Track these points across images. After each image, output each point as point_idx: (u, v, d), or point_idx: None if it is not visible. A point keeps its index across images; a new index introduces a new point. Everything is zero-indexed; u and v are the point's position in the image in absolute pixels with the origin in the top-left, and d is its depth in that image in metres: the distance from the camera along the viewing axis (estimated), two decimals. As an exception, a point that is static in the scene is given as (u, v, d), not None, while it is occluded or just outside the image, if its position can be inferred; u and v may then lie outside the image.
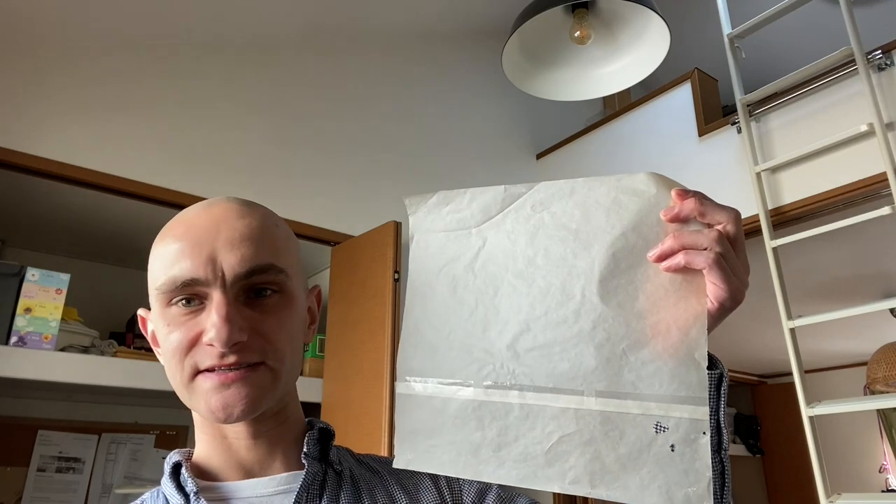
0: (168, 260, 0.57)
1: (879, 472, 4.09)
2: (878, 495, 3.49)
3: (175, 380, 0.58)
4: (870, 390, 3.13)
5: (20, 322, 1.59)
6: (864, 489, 4.03)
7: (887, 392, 2.98)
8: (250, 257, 0.57)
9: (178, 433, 2.39)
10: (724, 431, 0.56)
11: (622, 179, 0.54)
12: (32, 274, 1.63)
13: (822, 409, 1.80)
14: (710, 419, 0.54)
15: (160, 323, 0.59)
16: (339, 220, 2.23)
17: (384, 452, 1.68)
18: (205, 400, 0.56)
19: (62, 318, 1.66)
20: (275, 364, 0.58)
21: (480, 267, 0.58)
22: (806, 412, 1.82)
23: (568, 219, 0.56)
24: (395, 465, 0.58)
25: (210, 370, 0.56)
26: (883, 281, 2.87)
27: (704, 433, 0.49)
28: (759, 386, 4.68)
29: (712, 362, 0.58)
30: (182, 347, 0.56)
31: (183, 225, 0.59)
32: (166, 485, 0.61)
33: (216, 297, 0.56)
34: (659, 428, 0.50)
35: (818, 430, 1.81)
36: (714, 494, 0.54)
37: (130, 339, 2.13)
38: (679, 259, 0.51)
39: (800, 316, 1.90)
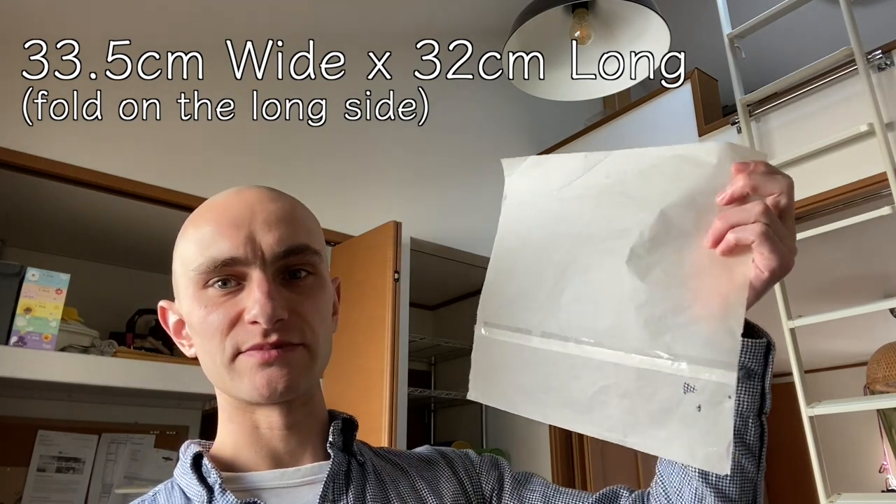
0: (204, 242, 0.57)
1: (879, 472, 4.09)
2: (878, 495, 3.49)
3: (214, 362, 0.57)
4: (870, 390, 3.13)
5: (20, 322, 1.59)
6: (864, 489, 4.03)
7: (887, 392, 2.98)
8: (287, 237, 0.58)
9: (178, 433, 2.39)
10: (768, 397, 0.57)
11: (689, 149, 0.55)
12: (32, 274, 1.63)
13: (822, 409, 1.80)
14: (757, 384, 0.57)
15: (195, 306, 0.57)
16: (339, 220, 2.23)
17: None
18: (249, 378, 0.56)
19: (62, 318, 1.66)
20: (312, 345, 0.58)
21: (554, 228, 0.62)
22: (806, 412, 1.82)
23: (630, 185, 0.58)
24: (468, 397, 0.63)
25: (253, 349, 0.56)
26: (883, 281, 2.87)
27: (730, 397, 0.50)
28: (759, 386, 4.68)
29: (758, 332, 0.58)
30: (223, 328, 0.56)
31: (216, 208, 0.59)
32: (184, 476, 0.60)
33: (256, 276, 0.56)
34: (687, 388, 0.51)
35: (818, 430, 1.81)
36: (752, 454, 0.56)
37: (130, 339, 2.13)
38: (729, 239, 0.52)
39: (800, 316, 1.90)
